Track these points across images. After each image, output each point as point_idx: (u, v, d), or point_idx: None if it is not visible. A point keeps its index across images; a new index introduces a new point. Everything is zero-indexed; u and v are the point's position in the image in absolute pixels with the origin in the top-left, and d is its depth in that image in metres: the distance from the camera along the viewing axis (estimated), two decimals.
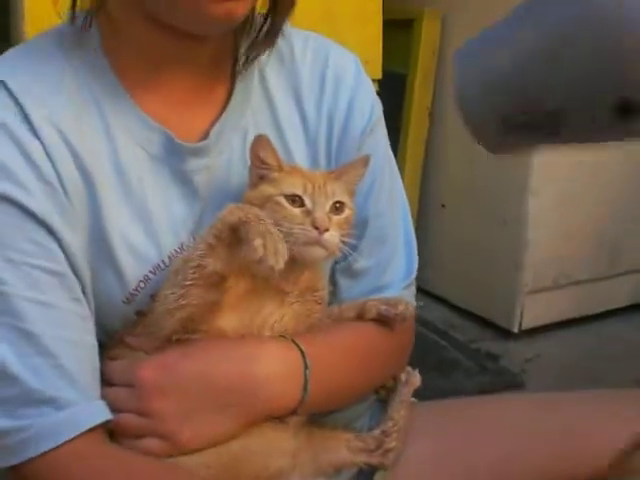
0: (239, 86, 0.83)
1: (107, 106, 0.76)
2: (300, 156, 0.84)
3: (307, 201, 0.75)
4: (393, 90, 2.15)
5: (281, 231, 0.71)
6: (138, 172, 0.77)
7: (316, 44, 0.88)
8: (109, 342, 0.79)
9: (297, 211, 0.75)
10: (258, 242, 0.67)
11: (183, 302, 0.71)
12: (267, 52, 0.82)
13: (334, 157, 0.86)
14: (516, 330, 2.07)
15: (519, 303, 2.06)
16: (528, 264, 2.04)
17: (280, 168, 0.78)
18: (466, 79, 0.48)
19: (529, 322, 2.08)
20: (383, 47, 1.86)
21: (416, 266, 0.91)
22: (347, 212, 0.78)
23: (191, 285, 0.71)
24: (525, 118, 0.46)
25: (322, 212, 0.75)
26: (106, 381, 0.75)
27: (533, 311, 2.08)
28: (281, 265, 0.67)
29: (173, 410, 0.72)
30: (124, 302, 0.78)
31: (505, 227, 2.07)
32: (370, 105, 0.88)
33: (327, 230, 0.74)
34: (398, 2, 2.07)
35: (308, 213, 0.75)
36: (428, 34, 2.17)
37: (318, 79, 0.86)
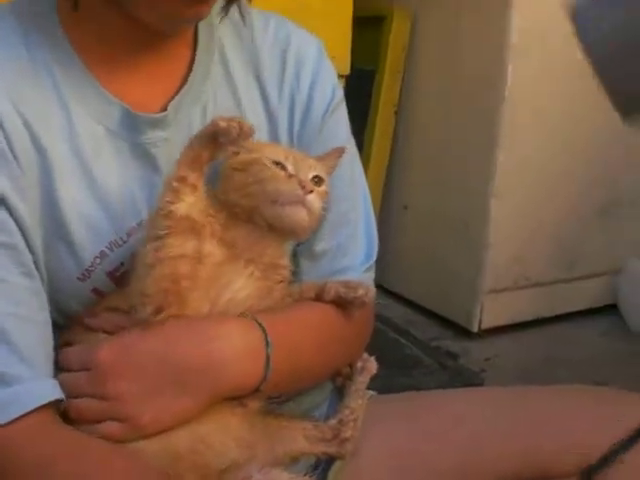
0: (199, 62, 0.82)
1: (62, 78, 0.74)
2: (261, 133, 0.83)
3: (290, 167, 0.75)
4: (360, 87, 2.14)
5: (266, 191, 0.72)
6: (94, 147, 0.76)
7: (277, 25, 0.88)
8: (66, 324, 0.76)
9: (282, 173, 0.75)
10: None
11: (161, 255, 0.69)
12: (222, 21, 0.82)
13: (296, 138, 0.86)
14: (476, 330, 2.08)
15: (479, 303, 2.07)
16: (488, 265, 2.05)
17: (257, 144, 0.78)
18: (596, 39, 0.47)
19: (489, 322, 2.09)
20: (352, 44, 1.86)
21: (376, 250, 0.91)
22: (324, 188, 0.78)
23: (167, 234, 0.69)
24: None
25: (305, 176, 0.75)
26: (64, 367, 0.73)
27: (493, 311, 2.09)
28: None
29: (132, 391, 0.70)
30: (79, 279, 0.76)
31: (467, 229, 2.08)
32: (331, 87, 0.89)
33: (312, 192, 0.74)
34: None
35: (291, 176, 0.75)
36: (398, 32, 2.17)
37: (279, 60, 0.86)
